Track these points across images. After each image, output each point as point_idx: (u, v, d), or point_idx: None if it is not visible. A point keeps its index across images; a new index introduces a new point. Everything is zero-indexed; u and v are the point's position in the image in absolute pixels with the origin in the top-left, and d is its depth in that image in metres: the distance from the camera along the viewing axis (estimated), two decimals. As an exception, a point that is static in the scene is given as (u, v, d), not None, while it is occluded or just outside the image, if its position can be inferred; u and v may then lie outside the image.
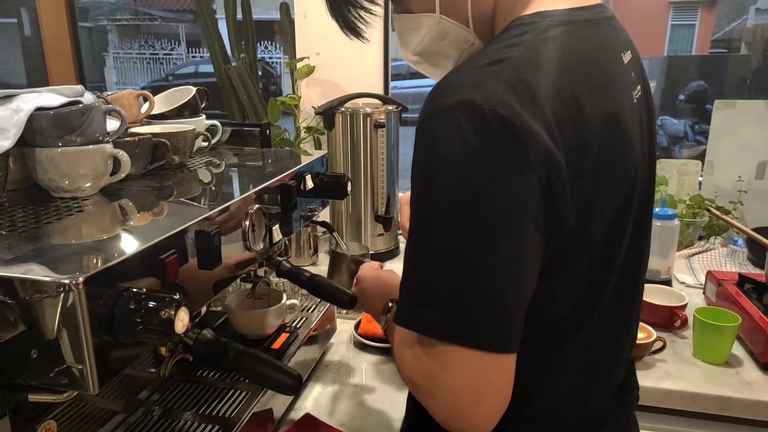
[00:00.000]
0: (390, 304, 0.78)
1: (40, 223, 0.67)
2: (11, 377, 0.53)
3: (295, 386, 0.67)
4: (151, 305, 0.53)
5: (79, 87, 0.89)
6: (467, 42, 0.69)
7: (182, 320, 0.55)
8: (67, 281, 0.49)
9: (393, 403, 1.02)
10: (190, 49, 11.58)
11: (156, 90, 1.14)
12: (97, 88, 1.09)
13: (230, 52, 2.07)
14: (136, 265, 0.57)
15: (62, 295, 0.49)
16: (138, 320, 0.53)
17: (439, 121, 0.53)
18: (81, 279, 0.49)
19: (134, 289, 0.55)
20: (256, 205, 0.80)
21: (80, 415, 0.78)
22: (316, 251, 1.63)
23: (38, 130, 0.75)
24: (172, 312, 0.53)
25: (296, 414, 0.98)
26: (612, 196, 0.58)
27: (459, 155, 0.51)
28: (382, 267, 0.95)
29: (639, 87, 0.66)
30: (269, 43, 10.17)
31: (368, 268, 0.93)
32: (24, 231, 0.63)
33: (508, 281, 0.52)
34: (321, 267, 1.62)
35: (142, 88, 1.05)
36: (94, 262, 0.54)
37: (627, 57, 0.64)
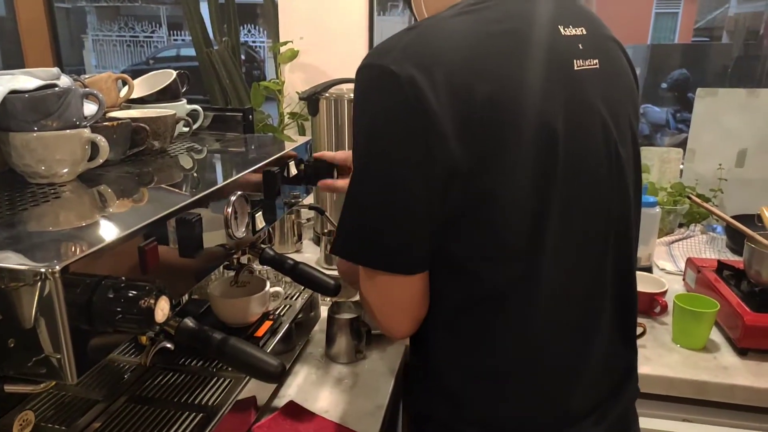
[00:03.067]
0: None
1: (15, 210, 0.65)
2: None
3: (277, 374, 0.67)
4: (130, 294, 0.53)
5: (55, 70, 0.86)
6: None
7: (162, 309, 0.54)
8: (43, 269, 0.48)
9: (377, 388, 1.02)
10: (171, 32, 11.37)
11: (136, 74, 1.11)
12: (76, 72, 1.06)
13: (212, 36, 2.04)
14: (115, 253, 0.55)
15: (39, 283, 0.48)
16: (117, 309, 0.52)
17: (356, 77, 0.64)
18: (57, 267, 0.48)
19: (113, 278, 0.54)
20: (239, 192, 0.79)
21: (59, 405, 0.77)
22: (300, 238, 1.63)
23: (12, 113, 0.72)
24: (152, 301, 0.52)
25: (280, 402, 0.98)
26: (518, 151, 0.61)
27: (359, 107, 0.64)
28: None
29: (594, 61, 0.68)
30: (252, 26, 10.01)
31: None
32: (-2, 218, 0.62)
33: (398, 219, 0.62)
34: (305, 254, 1.61)
35: (122, 72, 1.02)
36: (72, 250, 0.52)
37: (572, 31, 0.67)
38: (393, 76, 0.59)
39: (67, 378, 0.51)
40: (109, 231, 0.58)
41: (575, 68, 0.65)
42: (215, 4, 2.00)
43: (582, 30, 0.68)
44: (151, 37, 11.29)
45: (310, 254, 1.60)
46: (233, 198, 0.77)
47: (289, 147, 1.01)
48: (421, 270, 0.66)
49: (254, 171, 0.85)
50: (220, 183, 0.76)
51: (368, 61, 0.63)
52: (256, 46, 9.94)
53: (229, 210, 0.76)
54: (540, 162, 0.62)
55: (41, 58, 2.12)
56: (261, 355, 0.68)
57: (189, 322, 0.68)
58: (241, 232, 0.79)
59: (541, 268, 0.64)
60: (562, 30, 0.66)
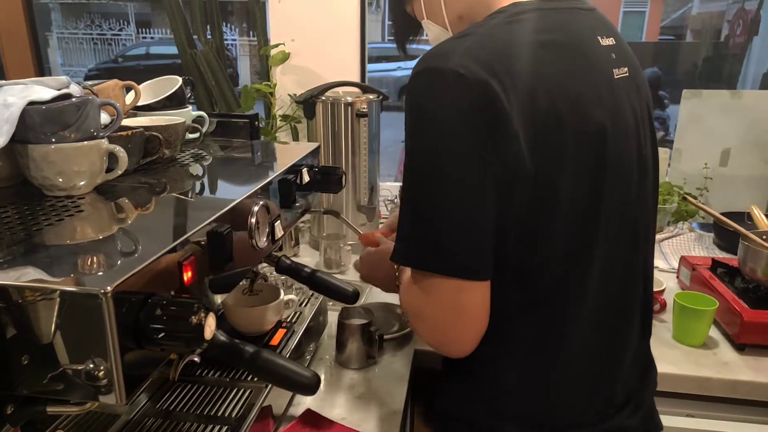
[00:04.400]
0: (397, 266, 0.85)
1: (40, 225, 0.63)
2: (32, 390, 0.51)
3: (313, 385, 0.67)
4: (179, 312, 0.52)
5: (65, 78, 0.84)
6: None
7: (210, 326, 0.53)
8: (96, 291, 0.47)
9: (391, 393, 1.03)
10: (140, 30, 11.13)
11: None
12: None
13: (195, 36, 2.01)
14: (158, 270, 0.55)
15: (91, 304, 0.47)
16: (165, 327, 0.51)
17: (411, 85, 0.64)
18: (109, 288, 0.47)
19: (158, 295, 0.53)
20: (261, 202, 0.78)
21: (83, 421, 0.75)
22: (297, 242, 1.62)
23: (31, 126, 0.71)
24: (203, 318, 0.52)
25: (295, 409, 0.97)
26: (578, 152, 0.63)
27: (422, 111, 0.62)
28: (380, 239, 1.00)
29: (624, 69, 0.72)
30: (224, 24, 9.88)
31: (365, 253, 0.99)
32: (25, 233, 0.60)
33: (468, 221, 0.62)
34: (303, 258, 1.60)
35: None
36: (118, 268, 0.51)
37: (607, 41, 0.71)
38: (462, 78, 0.59)
39: (117, 399, 0.50)
40: (147, 247, 0.57)
41: (615, 77, 0.68)
42: (199, 4, 1.97)
43: (612, 40, 0.71)
44: (119, 35, 11.04)
45: (308, 258, 1.60)
46: (256, 208, 0.77)
47: (300, 154, 1.00)
48: (490, 276, 0.65)
49: (273, 179, 0.84)
50: (244, 194, 0.75)
51: (428, 65, 0.62)
52: (228, 45, 9.81)
53: (253, 220, 0.76)
54: (593, 167, 0.65)
55: (21, 61, 2.05)
56: (295, 368, 0.68)
57: (220, 335, 0.68)
58: (263, 242, 0.79)
59: (589, 270, 0.66)
60: (600, 40, 0.69)
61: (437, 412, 0.80)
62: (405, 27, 0.88)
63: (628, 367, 0.76)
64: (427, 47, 0.68)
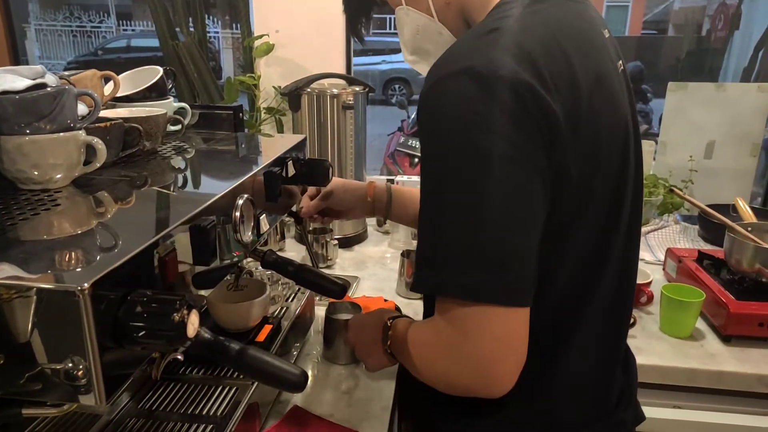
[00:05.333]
0: (389, 322, 0.77)
1: (14, 220, 0.61)
2: (7, 392, 0.48)
3: (301, 383, 0.65)
4: (160, 309, 0.50)
5: (40, 67, 0.81)
6: (437, 33, 0.74)
7: (193, 323, 0.52)
8: (73, 288, 0.44)
9: (380, 390, 1.01)
10: (120, 22, 10.95)
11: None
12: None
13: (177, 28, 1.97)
14: (137, 265, 0.52)
15: (67, 302, 0.45)
16: (146, 325, 0.49)
17: (444, 88, 0.56)
18: (86, 285, 0.45)
19: (138, 292, 0.51)
20: (245, 195, 0.76)
21: (63, 421, 0.73)
22: (283, 237, 1.59)
23: (3, 116, 0.68)
24: (185, 315, 0.50)
25: (282, 406, 0.96)
26: (608, 149, 0.61)
27: (465, 119, 0.54)
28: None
29: (620, 62, 0.71)
30: (207, 16, 9.76)
31: (354, 317, 0.95)
32: None
33: (520, 238, 0.55)
34: (289, 253, 1.58)
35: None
36: (95, 264, 0.49)
37: (606, 34, 0.69)
38: (508, 81, 0.53)
39: (97, 401, 0.48)
40: (127, 242, 0.55)
41: (619, 71, 0.68)
42: (180, -6, 1.93)
43: (607, 32, 0.70)
44: (99, 27, 10.85)
45: (294, 253, 1.58)
46: (240, 201, 0.74)
47: (285, 146, 0.98)
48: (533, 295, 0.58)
49: (258, 172, 0.82)
50: (228, 187, 0.73)
51: (459, 67, 0.55)
52: (210, 38, 9.69)
53: (237, 214, 0.74)
54: (619, 166, 0.63)
55: (-5, 51, 2.00)
56: (282, 365, 0.66)
57: (205, 332, 0.66)
58: (248, 236, 0.77)
59: (606, 270, 0.65)
60: (604, 33, 0.68)
61: (431, 411, 0.78)
62: (356, 8, 0.82)
63: (620, 361, 0.75)
64: (389, 38, 0.64)
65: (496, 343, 0.56)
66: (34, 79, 0.74)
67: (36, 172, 0.70)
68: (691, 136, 1.82)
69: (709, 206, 1.42)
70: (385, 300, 1.25)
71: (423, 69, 0.77)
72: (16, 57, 2.06)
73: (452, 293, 0.57)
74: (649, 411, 1.11)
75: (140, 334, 0.49)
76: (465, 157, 0.54)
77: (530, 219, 0.56)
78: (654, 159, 1.89)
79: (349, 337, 0.94)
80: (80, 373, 0.47)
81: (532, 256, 0.56)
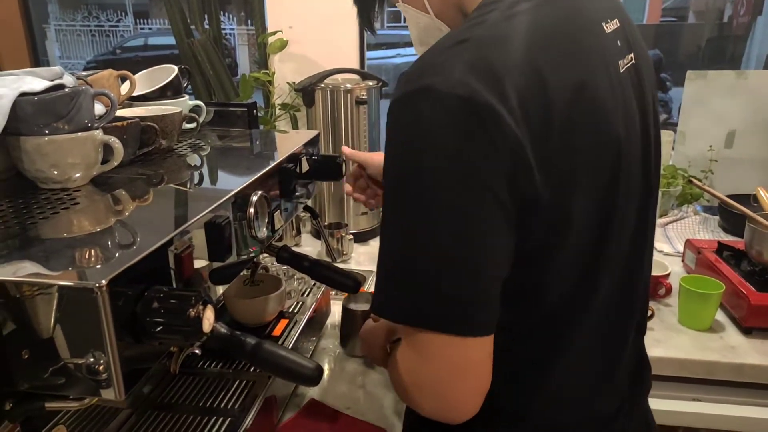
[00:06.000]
0: (389, 347, 0.77)
1: (35, 219, 0.62)
2: (32, 386, 0.50)
3: (316, 377, 0.66)
4: (177, 305, 0.51)
5: (58, 68, 0.83)
6: (437, 30, 0.71)
7: (209, 319, 0.52)
8: (91, 285, 0.46)
9: (395, 383, 1.02)
10: (138, 21, 11.05)
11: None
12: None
13: (192, 26, 1.99)
14: (154, 262, 0.54)
15: (86, 298, 0.46)
16: (163, 321, 0.50)
17: (402, 108, 0.53)
18: (104, 282, 0.46)
19: (155, 288, 0.52)
20: (260, 192, 0.77)
21: (84, 415, 0.75)
22: (299, 232, 1.61)
23: (22, 117, 0.69)
24: (201, 310, 0.51)
25: (298, 400, 0.97)
26: (592, 168, 0.57)
27: (420, 142, 0.51)
28: None
29: (630, 56, 0.65)
30: (222, 13, 9.81)
31: (365, 325, 0.91)
32: (20, 227, 0.59)
33: (476, 267, 0.52)
34: (305, 248, 1.59)
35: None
36: (113, 261, 0.50)
37: (611, 26, 0.63)
38: (466, 102, 0.49)
39: (117, 394, 0.49)
40: (144, 238, 0.56)
41: (621, 71, 0.61)
42: (196, -8, 1.95)
43: (616, 22, 0.64)
44: (117, 26, 10.96)
45: (310, 248, 1.59)
46: (255, 198, 0.75)
47: (299, 142, 0.98)
48: (495, 326, 0.55)
49: (272, 168, 0.83)
50: (242, 183, 0.74)
51: (420, 84, 0.51)
52: (226, 34, 9.74)
53: (251, 210, 0.75)
54: (606, 182, 0.58)
55: (16, 53, 2.04)
56: (297, 359, 0.67)
57: (221, 327, 0.67)
58: (262, 232, 0.78)
59: (599, 283, 0.62)
60: (605, 27, 0.61)
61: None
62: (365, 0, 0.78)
63: (625, 370, 0.72)
64: (404, 31, 0.59)
65: (454, 368, 0.54)
66: (52, 80, 0.76)
67: (55, 172, 0.72)
68: (711, 126, 1.79)
69: (730, 196, 1.40)
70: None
71: None
72: (37, 57, 2.10)
73: (403, 320, 0.55)
74: (668, 404, 1.11)
75: (157, 329, 0.50)
76: (420, 186, 0.52)
77: (487, 251, 0.53)
78: (673, 149, 1.86)
79: (361, 350, 0.97)
80: (101, 367, 0.48)
81: (490, 287, 0.54)
